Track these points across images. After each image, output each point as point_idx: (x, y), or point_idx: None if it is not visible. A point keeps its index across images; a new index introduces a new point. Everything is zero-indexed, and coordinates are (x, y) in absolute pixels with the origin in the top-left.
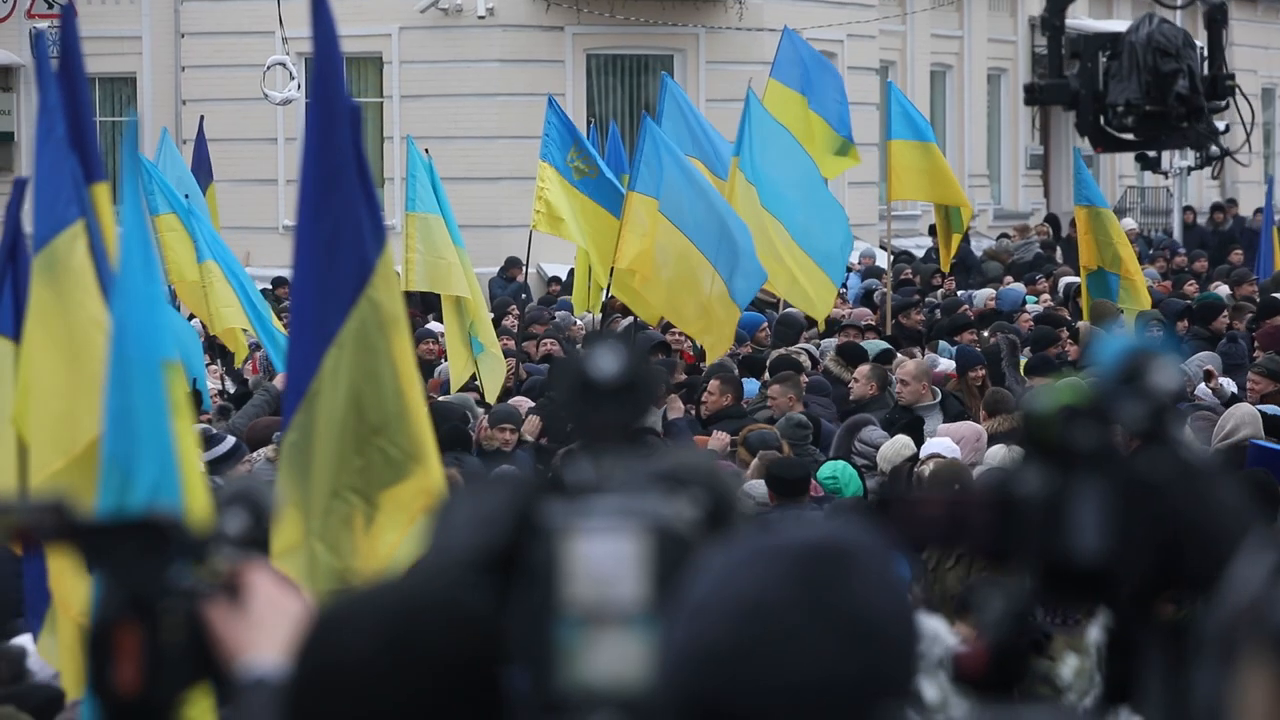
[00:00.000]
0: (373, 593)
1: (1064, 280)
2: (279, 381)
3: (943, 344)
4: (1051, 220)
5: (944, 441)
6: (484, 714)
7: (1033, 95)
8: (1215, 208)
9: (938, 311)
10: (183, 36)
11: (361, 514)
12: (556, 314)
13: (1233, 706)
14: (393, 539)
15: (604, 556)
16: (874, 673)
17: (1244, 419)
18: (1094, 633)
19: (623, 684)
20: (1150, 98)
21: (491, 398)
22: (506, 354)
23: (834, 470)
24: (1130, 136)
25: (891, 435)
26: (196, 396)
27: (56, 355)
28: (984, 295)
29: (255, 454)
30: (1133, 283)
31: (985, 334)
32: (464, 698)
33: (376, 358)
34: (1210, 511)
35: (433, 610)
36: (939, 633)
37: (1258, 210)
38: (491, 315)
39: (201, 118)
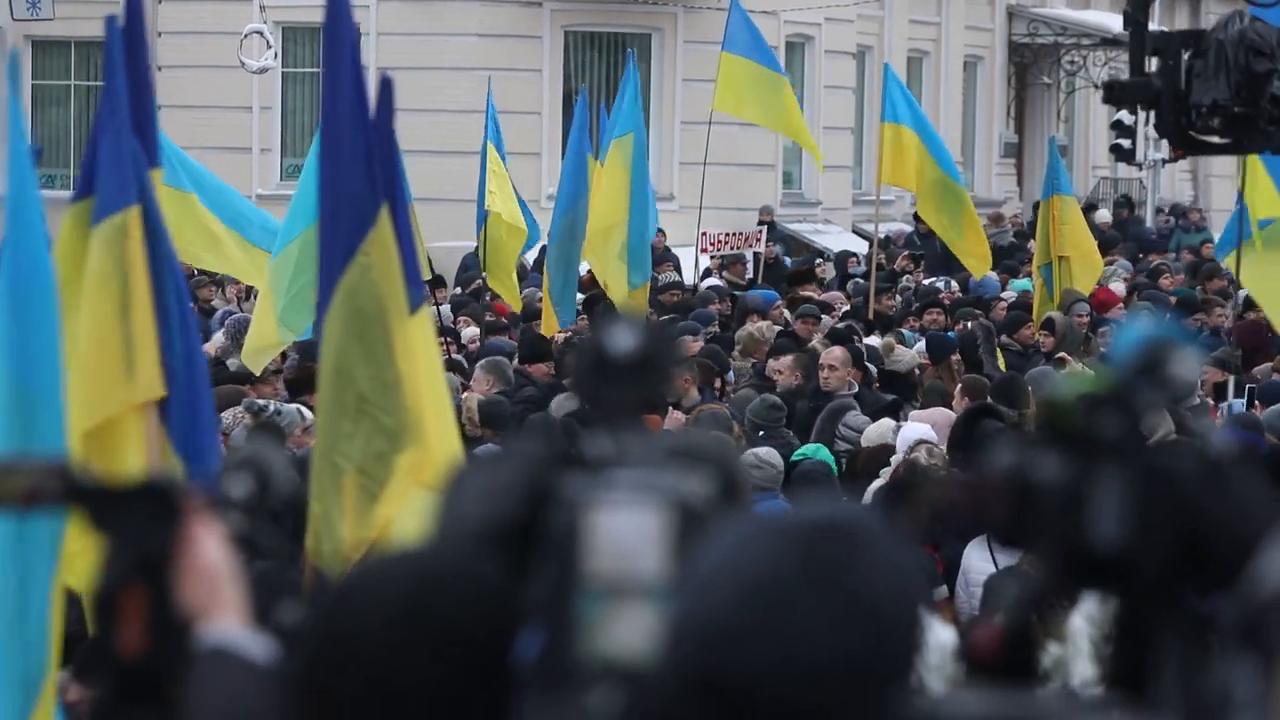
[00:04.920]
0: (388, 564)
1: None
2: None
3: (906, 332)
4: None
5: (923, 428)
6: (494, 685)
7: (1113, 94)
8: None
9: (913, 298)
10: (160, 2)
11: (354, 481)
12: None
13: (1268, 697)
14: (386, 511)
15: (626, 530)
16: (874, 653)
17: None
18: (1076, 621)
19: (641, 656)
20: (1240, 99)
21: None
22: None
23: (804, 454)
24: (1215, 138)
25: (874, 420)
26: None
27: (111, 318)
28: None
29: (227, 416)
30: (1069, 262)
31: (970, 321)
32: (475, 669)
33: (366, 323)
34: (1232, 502)
35: (445, 582)
36: (927, 620)
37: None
38: (458, 289)
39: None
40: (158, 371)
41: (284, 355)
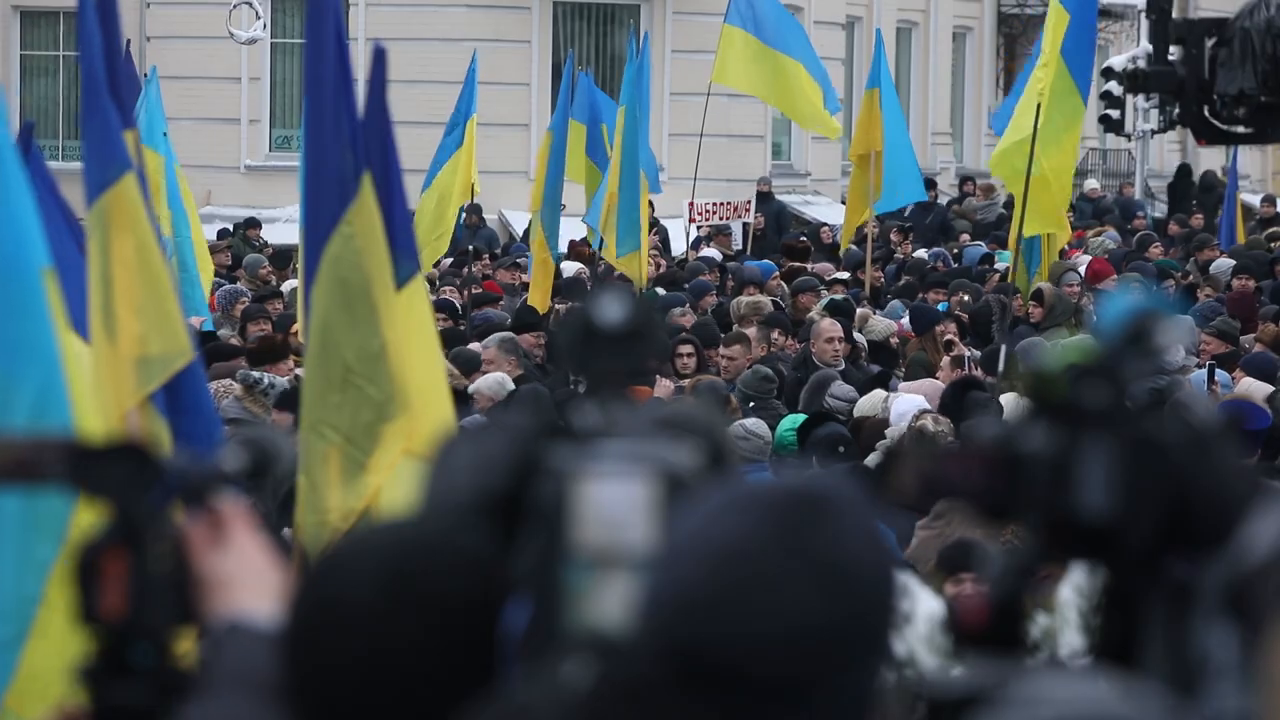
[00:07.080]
0: (372, 534)
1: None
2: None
3: (895, 303)
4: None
5: (917, 399)
6: (480, 655)
7: (1136, 83)
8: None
9: (902, 272)
10: None
11: (340, 451)
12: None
13: (1257, 665)
14: (373, 480)
15: (615, 500)
16: (849, 622)
17: None
18: (1065, 592)
19: (628, 628)
20: (1268, 88)
21: None
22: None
23: (793, 424)
24: (1240, 129)
25: (862, 392)
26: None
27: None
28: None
29: (217, 387)
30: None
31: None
32: (461, 639)
33: (350, 293)
34: (1218, 471)
35: (432, 552)
36: (916, 590)
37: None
38: (451, 260)
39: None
40: (185, 332)
41: (274, 325)
